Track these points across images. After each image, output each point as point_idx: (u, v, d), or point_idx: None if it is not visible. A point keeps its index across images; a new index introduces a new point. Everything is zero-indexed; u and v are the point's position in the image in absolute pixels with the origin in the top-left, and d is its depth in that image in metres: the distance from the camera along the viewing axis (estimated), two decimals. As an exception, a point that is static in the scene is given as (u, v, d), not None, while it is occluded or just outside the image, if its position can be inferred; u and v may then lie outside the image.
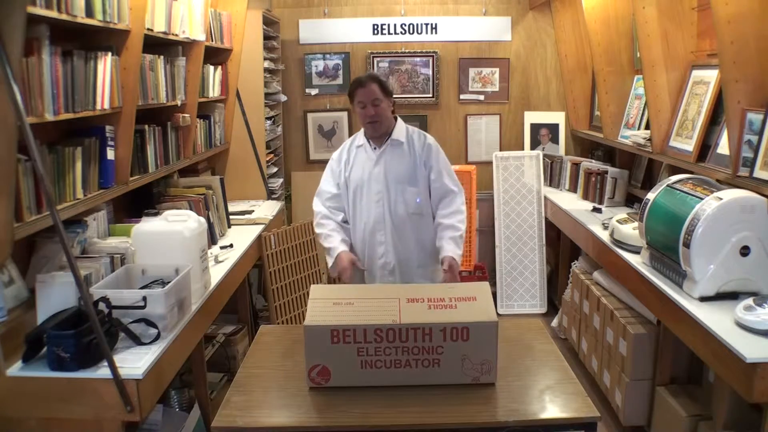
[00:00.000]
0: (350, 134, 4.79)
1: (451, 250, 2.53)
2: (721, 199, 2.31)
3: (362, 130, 2.72)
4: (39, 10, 1.86)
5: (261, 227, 3.61)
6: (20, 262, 2.09)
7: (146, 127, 2.76)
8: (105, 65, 2.30)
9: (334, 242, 2.61)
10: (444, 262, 2.51)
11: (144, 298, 2.02)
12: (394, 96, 2.73)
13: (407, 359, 1.84)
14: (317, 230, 2.71)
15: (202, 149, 3.52)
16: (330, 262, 2.62)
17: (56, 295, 1.98)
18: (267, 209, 3.97)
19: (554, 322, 4.25)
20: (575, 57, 4.59)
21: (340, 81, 4.82)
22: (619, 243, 3.07)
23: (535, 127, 4.88)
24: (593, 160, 4.41)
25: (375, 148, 2.67)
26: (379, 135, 2.64)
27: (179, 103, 3.04)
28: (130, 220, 2.74)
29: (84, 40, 2.33)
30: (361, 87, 2.56)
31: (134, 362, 1.90)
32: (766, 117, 2.42)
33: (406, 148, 2.65)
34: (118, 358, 1.90)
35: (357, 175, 2.67)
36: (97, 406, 1.85)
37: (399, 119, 2.71)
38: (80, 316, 1.91)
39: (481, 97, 4.87)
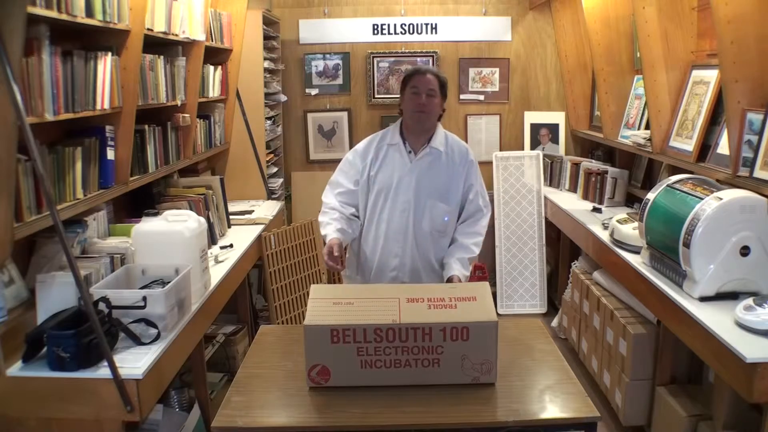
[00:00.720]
0: (350, 134, 4.82)
1: (458, 270, 2.42)
2: (721, 199, 2.31)
3: (394, 126, 2.53)
4: (39, 10, 1.86)
5: (261, 227, 3.61)
6: (20, 262, 2.09)
7: (146, 127, 2.76)
8: (105, 65, 2.30)
9: (328, 229, 2.40)
10: (450, 282, 2.39)
11: (144, 298, 2.02)
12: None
13: (407, 359, 1.84)
14: (320, 218, 2.49)
15: (202, 149, 3.52)
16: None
17: (56, 295, 1.98)
18: (267, 209, 3.97)
19: (554, 322, 4.25)
20: (575, 57, 4.59)
21: (340, 81, 4.82)
22: (619, 243, 3.07)
23: (535, 127, 4.88)
24: (593, 160, 4.41)
25: (410, 152, 2.46)
26: (421, 131, 2.46)
27: (179, 103, 3.04)
28: (130, 220, 2.74)
29: (84, 40, 2.33)
30: (420, 74, 2.42)
31: (134, 362, 1.90)
32: (766, 117, 2.42)
33: (444, 159, 2.47)
34: (118, 358, 1.90)
35: (385, 178, 2.46)
36: (97, 406, 1.85)
37: (440, 126, 2.53)
38: (80, 316, 1.91)
39: (481, 97, 4.87)
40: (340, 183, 2.53)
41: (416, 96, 2.40)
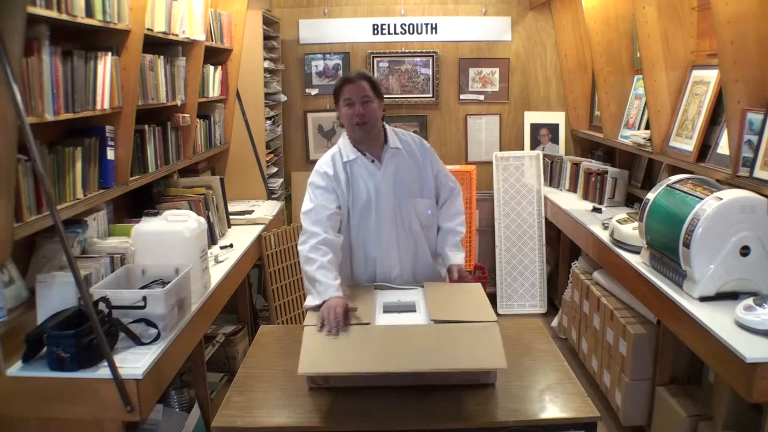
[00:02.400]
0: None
1: (454, 257, 2.40)
2: (721, 199, 2.31)
3: (343, 141, 2.39)
4: (39, 10, 1.86)
5: (261, 227, 3.61)
6: (20, 262, 2.09)
7: (146, 127, 2.76)
8: (105, 65, 2.30)
9: (328, 287, 2.07)
10: (452, 272, 2.37)
11: (144, 298, 2.02)
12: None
13: (407, 359, 1.84)
14: (309, 254, 2.16)
15: (202, 149, 3.52)
16: (316, 300, 2.07)
17: (56, 295, 1.98)
18: (267, 209, 3.97)
19: (554, 322, 4.25)
20: (575, 57, 4.59)
21: (340, 81, 4.81)
22: (619, 243, 3.07)
23: (535, 127, 4.88)
24: (593, 160, 4.41)
25: (373, 161, 2.34)
26: (369, 141, 2.34)
27: (179, 103, 3.04)
28: (130, 220, 2.74)
29: (84, 40, 2.33)
30: (350, 83, 2.26)
31: (134, 362, 1.90)
32: (766, 117, 2.42)
33: (405, 155, 2.38)
34: (118, 358, 1.90)
35: (362, 196, 2.32)
36: (97, 406, 1.85)
37: (386, 125, 2.41)
38: (80, 316, 1.91)
39: (481, 97, 4.87)
40: (325, 206, 2.27)
41: (351, 107, 2.26)
